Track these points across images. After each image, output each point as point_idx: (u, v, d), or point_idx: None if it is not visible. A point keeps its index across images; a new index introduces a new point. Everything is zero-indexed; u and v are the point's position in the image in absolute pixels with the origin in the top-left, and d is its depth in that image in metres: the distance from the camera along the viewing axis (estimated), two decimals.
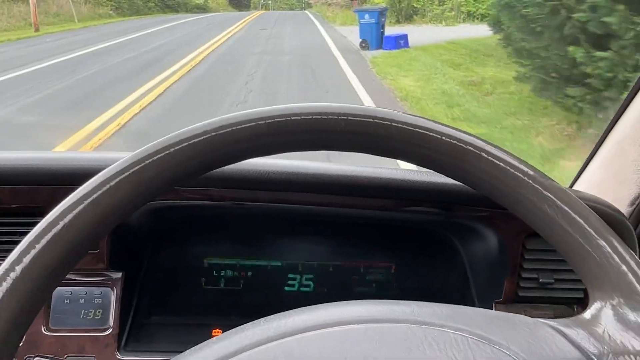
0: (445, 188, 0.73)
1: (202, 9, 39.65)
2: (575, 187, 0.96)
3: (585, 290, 0.78)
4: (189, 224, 0.87)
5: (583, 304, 0.81)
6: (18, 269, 0.36)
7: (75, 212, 0.38)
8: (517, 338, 0.39)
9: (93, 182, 0.40)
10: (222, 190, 0.73)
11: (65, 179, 0.71)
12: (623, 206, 0.89)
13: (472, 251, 0.86)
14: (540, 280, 0.78)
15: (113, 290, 0.77)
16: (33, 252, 0.37)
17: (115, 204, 0.39)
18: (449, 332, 0.39)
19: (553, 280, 0.78)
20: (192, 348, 0.39)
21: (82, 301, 0.76)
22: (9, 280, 0.35)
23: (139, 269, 0.84)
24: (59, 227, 0.37)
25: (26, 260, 0.36)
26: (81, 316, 0.76)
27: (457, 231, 0.86)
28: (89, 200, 0.39)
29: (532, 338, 0.39)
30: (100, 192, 0.39)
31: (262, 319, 0.40)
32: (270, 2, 57.67)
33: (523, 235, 0.77)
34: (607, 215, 0.72)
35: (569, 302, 0.81)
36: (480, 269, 0.85)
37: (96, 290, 0.76)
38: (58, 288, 0.75)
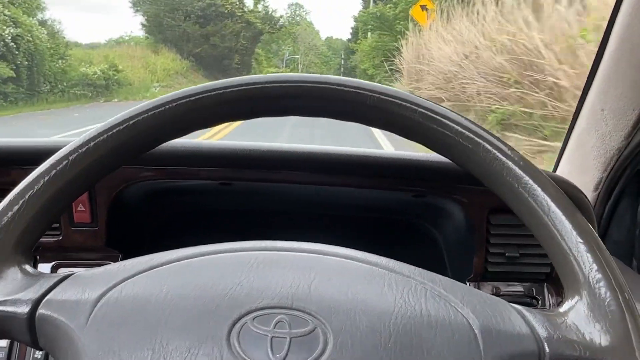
0: (414, 163, 0.78)
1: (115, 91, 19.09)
2: None
3: (551, 265, 0.80)
4: (186, 220, 0.93)
5: (551, 279, 0.83)
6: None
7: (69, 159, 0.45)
8: (474, 304, 0.41)
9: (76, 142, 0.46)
10: (210, 170, 0.80)
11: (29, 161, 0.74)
12: (588, 192, 0.98)
13: (446, 234, 0.90)
14: (507, 254, 0.80)
15: None
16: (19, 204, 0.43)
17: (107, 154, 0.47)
18: (413, 281, 0.43)
19: (518, 255, 0.80)
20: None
21: None
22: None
23: (138, 253, 0.90)
24: (40, 183, 0.44)
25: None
26: None
27: (431, 217, 0.90)
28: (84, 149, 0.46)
29: (489, 308, 0.41)
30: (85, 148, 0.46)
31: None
32: (298, 56, 46.88)
33: (486, 211, 0.80)
34: (571, 197, 0.76)
35: (537, 278, 0.83)
36: (454, 250, 0.88)
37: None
38: (61, 268, 0.82)
